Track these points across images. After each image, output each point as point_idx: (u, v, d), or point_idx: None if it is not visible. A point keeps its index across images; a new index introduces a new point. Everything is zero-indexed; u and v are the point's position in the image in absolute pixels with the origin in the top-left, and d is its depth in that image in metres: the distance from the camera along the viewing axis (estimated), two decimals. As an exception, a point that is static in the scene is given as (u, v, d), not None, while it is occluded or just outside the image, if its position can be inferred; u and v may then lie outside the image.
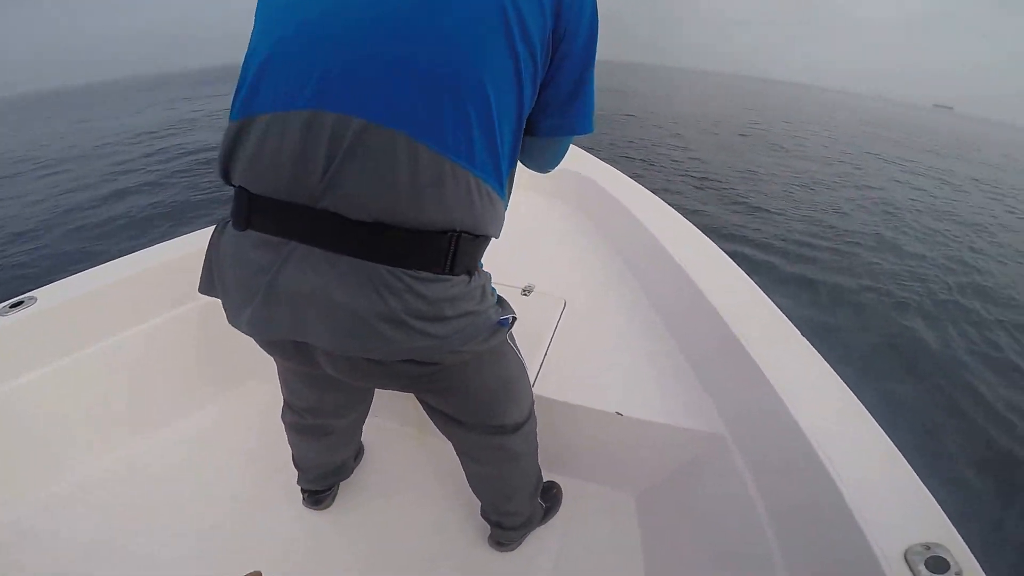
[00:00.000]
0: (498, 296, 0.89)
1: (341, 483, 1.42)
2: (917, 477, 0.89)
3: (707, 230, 1.94)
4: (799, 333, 1.28)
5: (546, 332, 1.58)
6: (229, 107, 0.73)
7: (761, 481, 1.09)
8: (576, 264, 2.10)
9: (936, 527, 0.80)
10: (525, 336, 1.52)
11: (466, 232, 0.71)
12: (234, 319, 0.79)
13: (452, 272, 0.73)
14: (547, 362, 1.45)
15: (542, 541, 1.33)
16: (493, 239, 0.81)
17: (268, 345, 0.84)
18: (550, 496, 1.40)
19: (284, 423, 1.21)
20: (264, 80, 0.68)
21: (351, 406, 1.19)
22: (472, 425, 1.01)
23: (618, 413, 1.29)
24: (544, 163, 0.97)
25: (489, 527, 1.29)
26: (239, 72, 0.73)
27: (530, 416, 1.10)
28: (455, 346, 0.77)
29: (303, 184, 0.66)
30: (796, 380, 1.10)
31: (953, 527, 0.80)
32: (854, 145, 17.63)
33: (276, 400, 1.21)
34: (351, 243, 0.67)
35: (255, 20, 0.74)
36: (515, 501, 1.20)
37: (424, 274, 0.70)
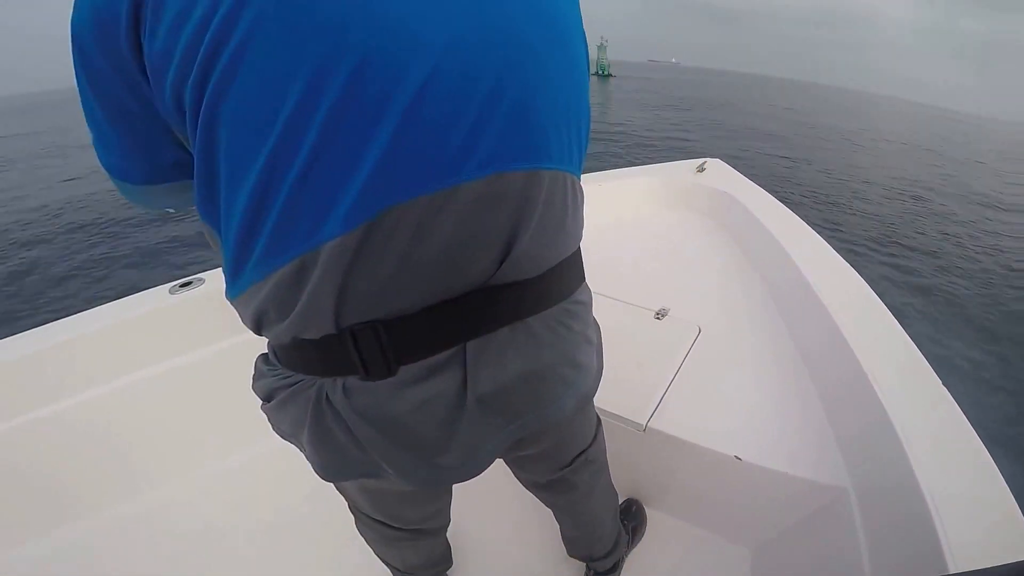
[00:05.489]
0: None
1: None
2: None
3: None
4: (940, 383, 1.17)
5: (675, 360, 1.53)
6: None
7: (873, 541, 1.01)
8: (716, 288, 1.99)
9: None
10: (653, 362, 1.51)
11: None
12: (417, 480, 0.62)
13: (583, 279, 0.71)
14: (670, 393, 1.41)
15: None
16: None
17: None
18: (631, 515, 1.36)
19: (367, 539, 1.00)
20: (401, 155, 0.46)
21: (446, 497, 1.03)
22: (561, 459, 0.94)
23: (736, 457, 1.22)
24: None
25: (585, 566, 1.27)
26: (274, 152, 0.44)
27: (598, 423, 1.04)
28: (598, 374, 0.75)
29: (468, 273, 0.53)
30: (926, 437, 1.02)
31: None
32: None
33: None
34: (533, 301, 0.60)
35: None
36: (606, 523, 1.16)
37: (577, 289, 0.68)
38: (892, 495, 1.01)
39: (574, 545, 1.22)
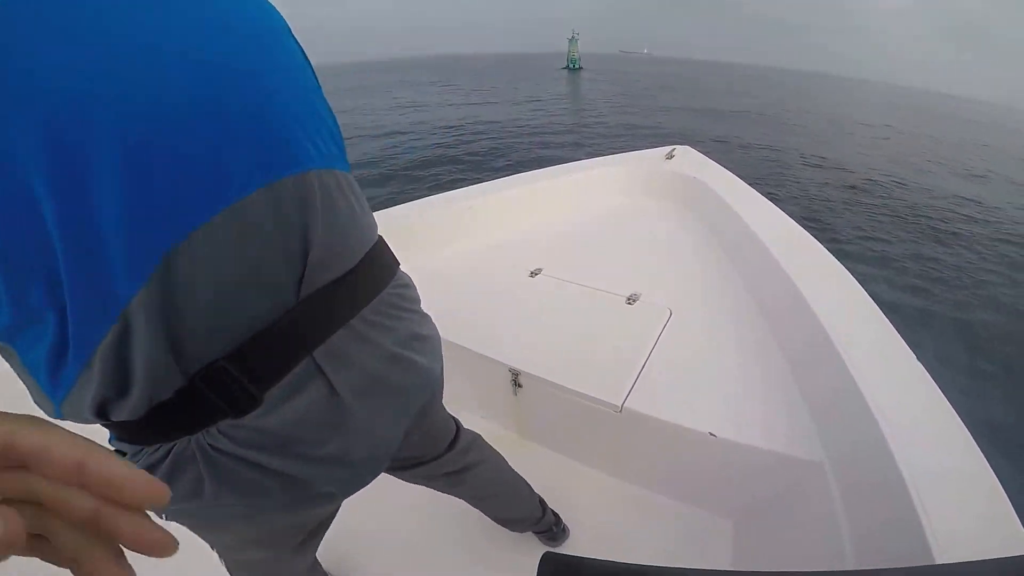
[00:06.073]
0: None
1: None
2: (1017, 519, 0.81)
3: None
4: (912, 355, 1.20)
5: (647, 343, 1.57)
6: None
7: (851, 514, 1.05)
8: (686, 271, 2.04)
9: None
10: (626, 346, 1.56)
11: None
12: (344, 482, 0.66)
13: (398, 264, 0.75)
14: (644, 375, 1.45)
15: (634, 559, 1.36)
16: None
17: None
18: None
19: None
20: (153, 202, 0.44)
21: None
22: (445, 433, 1.02)
23: (711, 434, 1.26)
24: None
25: (534, 534, 1.37)
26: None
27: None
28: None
29: (280, 283, 0.55)
30: (900, 409, 1.04)
31: None
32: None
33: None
34: (358, 295, 0.63)
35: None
36: (519, 483, 1.26)
37: (396, 274, 0.72)
38: (867, 467, 1.02)
39: (513, 522, 1.30)
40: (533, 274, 2.00)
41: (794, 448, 1.21)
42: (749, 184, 2.51)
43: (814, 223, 6.67)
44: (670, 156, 2.91)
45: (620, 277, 1.95)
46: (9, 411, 0.25)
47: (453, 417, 1.06)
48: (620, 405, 1.35)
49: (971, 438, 0.97)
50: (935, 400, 1.07)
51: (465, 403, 1.82)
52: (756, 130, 15.29)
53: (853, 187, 9.08)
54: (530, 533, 1.37)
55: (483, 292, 1.89)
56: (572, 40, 57.78)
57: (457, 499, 1.18)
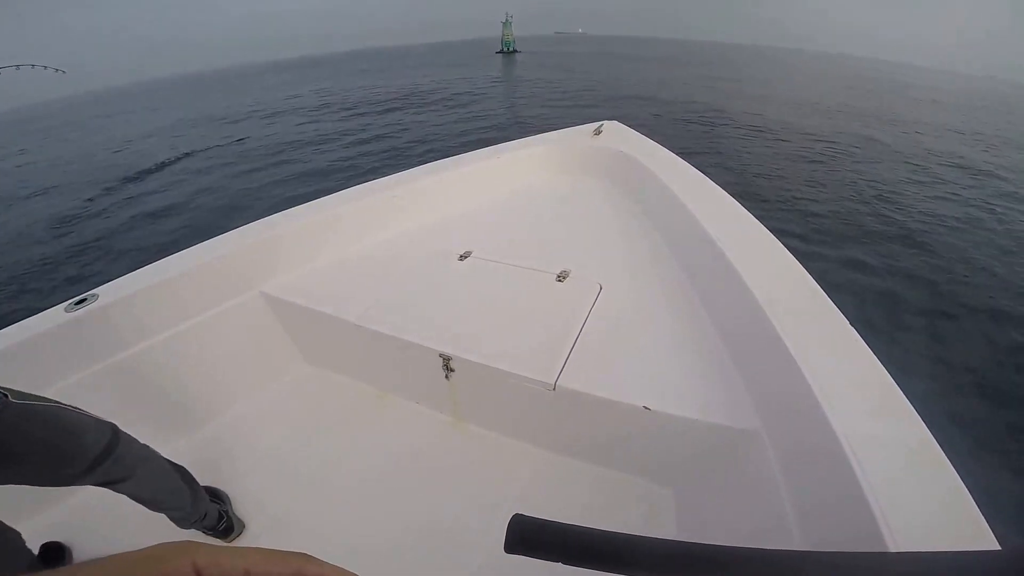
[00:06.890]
0: None
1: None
2: (959, 479, 0.82)
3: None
4: (848, 323, 1.19)
5: (578, 319, 1.57)
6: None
7: (791, 480, 1.05)
8: (616, 246, 2.04)
9: (973, 535, 0.73)
10: (557, 323, 1.55)
11: None
12: None
13: None
14: (576, 351, 1.44)
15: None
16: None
17: None
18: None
19: None
20: None
21: None
22: (62, 458, 1.07)
23: (645, 407, 1.26)
24: None
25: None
26: None
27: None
28: None
29: None
30: (836, 375, 1.03)
31: (995, 538, 0.72)
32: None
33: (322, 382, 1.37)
34: None
35: None
36: (168, 486, 1.26)
37: None
38: (803, 433, 1.01)
39: (179, 520, 1.31)
40: (462, 258, 1.97)
41: (729, 418, 1.22)
42: (683, 156, 2.50)
43: (746, 193, 6.87)
44: (598, 132, 2.92)
45: (550, 255, 1.95)
46: None
47: (106, 423, 1.11)
48: (553, 383, 1.34)
49: (905, 399, 0.98)
50: (869, 364, 1.07)
51: (397, 390, 1.81)
52: (690, 102, 15.59)
53: (787, 156, 9.41)
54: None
55: (412, 279, 1.84)
56: (506, 23, 57.33)
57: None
